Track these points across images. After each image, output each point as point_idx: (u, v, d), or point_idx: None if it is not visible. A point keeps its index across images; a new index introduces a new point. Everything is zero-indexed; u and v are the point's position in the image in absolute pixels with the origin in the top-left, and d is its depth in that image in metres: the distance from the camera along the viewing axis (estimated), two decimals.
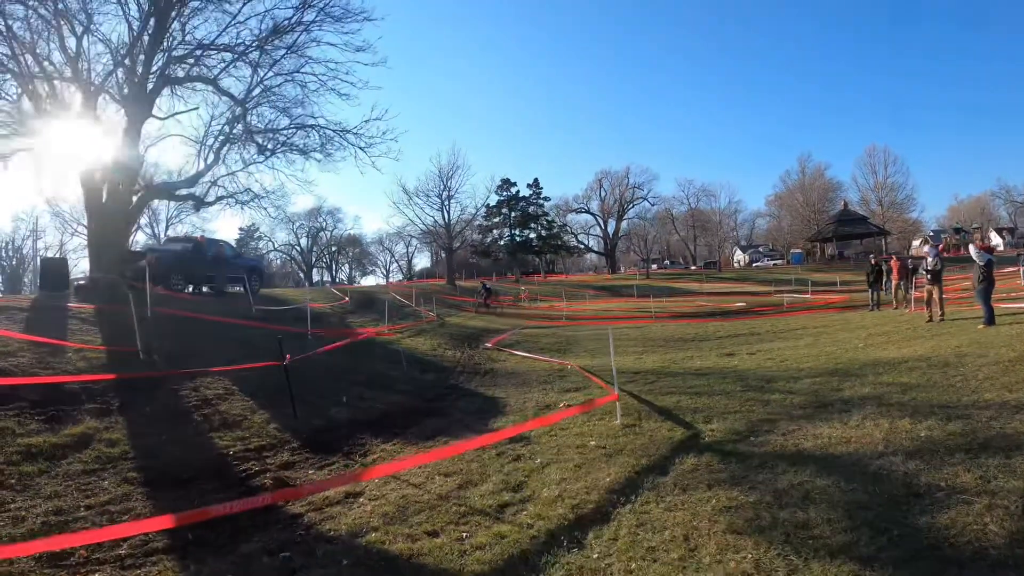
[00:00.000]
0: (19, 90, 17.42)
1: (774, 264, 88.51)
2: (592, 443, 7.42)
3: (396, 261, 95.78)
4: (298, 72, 20.13)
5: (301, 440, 8.59)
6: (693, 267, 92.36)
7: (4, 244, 68.53)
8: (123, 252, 18.68)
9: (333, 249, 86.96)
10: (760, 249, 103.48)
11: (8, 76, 17.26)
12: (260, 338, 14.39)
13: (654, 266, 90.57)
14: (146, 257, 18.98)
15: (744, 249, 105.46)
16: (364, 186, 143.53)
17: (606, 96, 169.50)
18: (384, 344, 17.88)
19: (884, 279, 24.10)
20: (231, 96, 19.94)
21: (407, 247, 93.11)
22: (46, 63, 17.43)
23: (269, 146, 20.72)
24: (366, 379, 12.81)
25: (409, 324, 23.70)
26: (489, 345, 19.22)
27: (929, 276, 15.98)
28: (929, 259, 15.99)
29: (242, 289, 22.72)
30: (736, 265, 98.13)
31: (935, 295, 15.82)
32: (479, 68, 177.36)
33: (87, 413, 8.07)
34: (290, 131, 20.93)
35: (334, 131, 21.02)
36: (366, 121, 21.36)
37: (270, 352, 12.57)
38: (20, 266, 67.71)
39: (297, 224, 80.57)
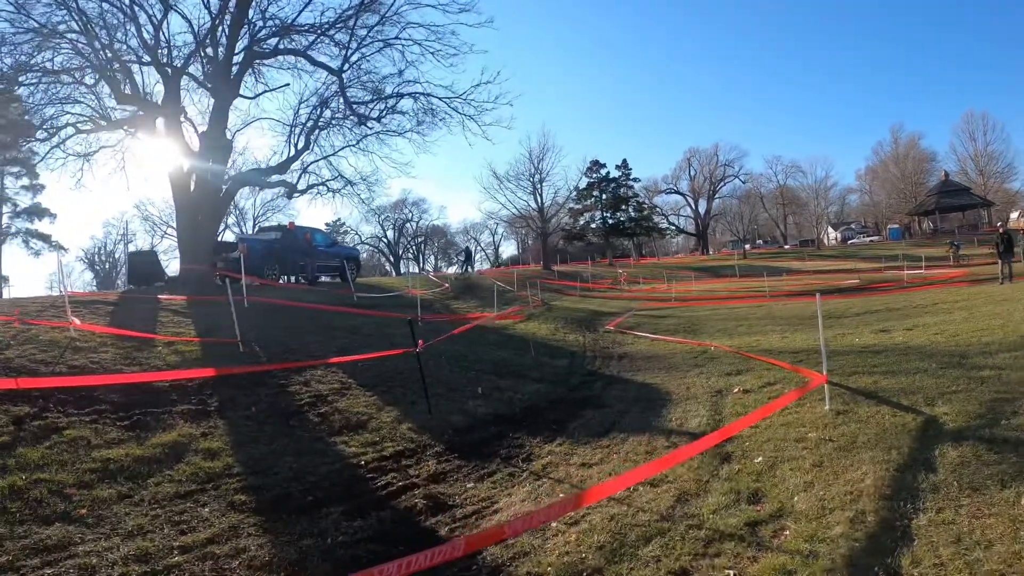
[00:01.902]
0: (96, 77, 16.39)
1: (870, 240, 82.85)
2: (811, 434, 5.91)
3: (483, 250, 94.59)
4: (396, 39, 18.41)
5: (444, 443, 6.81)
6: (786, 246, 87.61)
7: (97, 249, 70.68)
8: (214, 243, 17.55)
9: (419, 240, 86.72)
10: (852, 226, 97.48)
11: (88, 70, 16.32)
12: (367, 326, 12.94)
13: (747, 246, 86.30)
14: (238, 247, 17.87)
15: (835, 226, 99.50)
16: (450, 176, 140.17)
17: (690, 69, 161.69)
18: (499, 330, 16.15)
19: (1014, 250, 21.20)
20: (326, 67, 18.41)
21: (493, 235, 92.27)
22: (123, 48, 16.38)
23: (374, 114, 19.11)
24: (494, 367, 11.01)
25: (516, 309, 21.96)
26: (610, 328, 17.73)
27: None
28: None
29: (338, 278, 21.43)
30: (830, 243, 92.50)
31: None
32: (556, 42, 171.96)
33: (180, 416, 6.42)
34: (393, 99, 19.27)
35: (440, 98, 19.18)
36: (476, 85, 19.29)
37: (382, 340, 11.34)
38: (113, 270, 69.56)
39: (383, 216, 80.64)
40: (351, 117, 19.05)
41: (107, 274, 71.18)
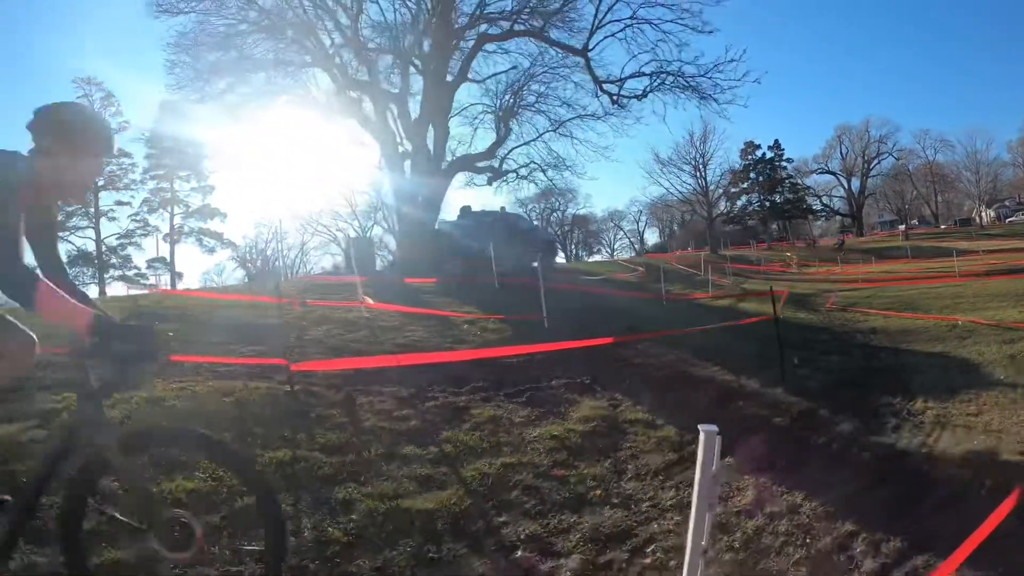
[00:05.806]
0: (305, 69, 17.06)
1: None
2: None
3: (627, 236, 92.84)
4: (635, 20, 18.40)
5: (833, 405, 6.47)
6: (943, 226, 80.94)
7: (248, 248, 74.45)
8: (431, 230, 17.84)
9: (566, 229, 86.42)
10: (1007, 203, 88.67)
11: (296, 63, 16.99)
12: (634, 305, 13.32)
13: (902, 227, 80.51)
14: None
15: (988, 204, 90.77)
16: (594, 163, 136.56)
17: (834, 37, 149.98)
18: (727, 309, 16.17)
19: None
20: (568, 48, 18.65)
21: (636, 223, 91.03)
22: (335, 36, 16.97)
23: (637, 90, 19.43)
24: (771, 341, 10.60)
25: (717, 292, 21.59)
26: (829, 306, 17.48)
27: None
28: None
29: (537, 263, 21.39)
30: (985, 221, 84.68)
31: None
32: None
33: (567, 390, 6.28)
34: (651, 76, 19.41)
35: (689, 76, 19.39)
36: (720, 63, 19.46)
37: (654, 317, 11.64)
38: (264, 268, 72.86)
39: (529, 207, 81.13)
40: (600, 97, 19.46)
41: (259, 272, 75.02)
